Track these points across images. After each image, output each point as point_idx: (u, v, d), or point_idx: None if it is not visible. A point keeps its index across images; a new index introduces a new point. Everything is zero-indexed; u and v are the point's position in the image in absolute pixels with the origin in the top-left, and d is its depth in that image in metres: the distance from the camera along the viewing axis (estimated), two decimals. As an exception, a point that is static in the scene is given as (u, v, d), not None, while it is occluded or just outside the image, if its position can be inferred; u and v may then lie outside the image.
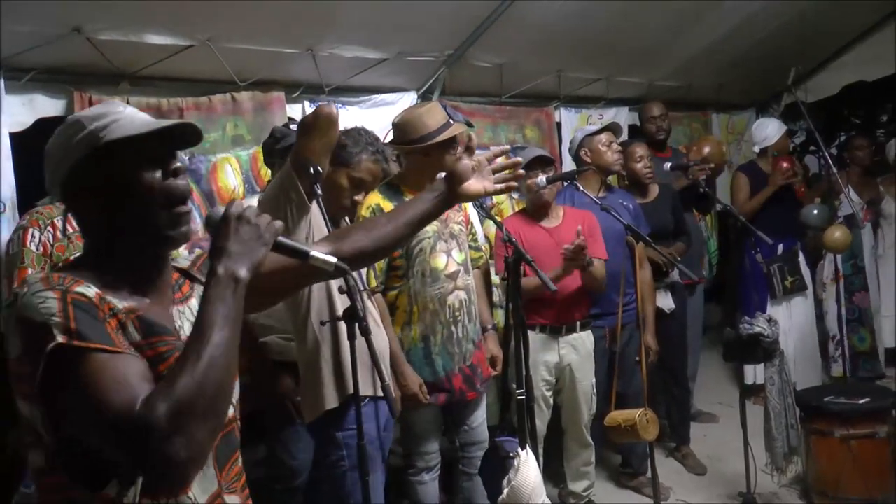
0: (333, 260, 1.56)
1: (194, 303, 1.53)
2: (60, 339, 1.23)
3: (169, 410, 1.19)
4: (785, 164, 5.34)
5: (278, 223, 1.47)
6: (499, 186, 1.87)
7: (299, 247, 1.55)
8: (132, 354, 1.30)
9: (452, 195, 1.82)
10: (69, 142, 1.41)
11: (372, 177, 2.87)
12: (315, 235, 2.66)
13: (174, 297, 1.52)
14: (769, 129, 5.60)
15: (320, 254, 1.55)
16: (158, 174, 1.42)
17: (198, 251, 1.62)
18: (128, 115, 1.44)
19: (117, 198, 1.41)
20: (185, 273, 1.59)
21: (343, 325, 2.50)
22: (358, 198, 2.88)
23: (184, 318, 1.51)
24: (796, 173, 5.43)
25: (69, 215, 2.92)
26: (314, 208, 2.66)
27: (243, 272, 1.36)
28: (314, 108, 2.62)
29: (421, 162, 3.29)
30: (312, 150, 2.47)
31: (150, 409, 1.19)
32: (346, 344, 2.55)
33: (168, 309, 1.49)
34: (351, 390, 2.60)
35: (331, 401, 2.74)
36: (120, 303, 1.37)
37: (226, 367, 1.29)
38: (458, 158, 3.09)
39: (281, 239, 1.48)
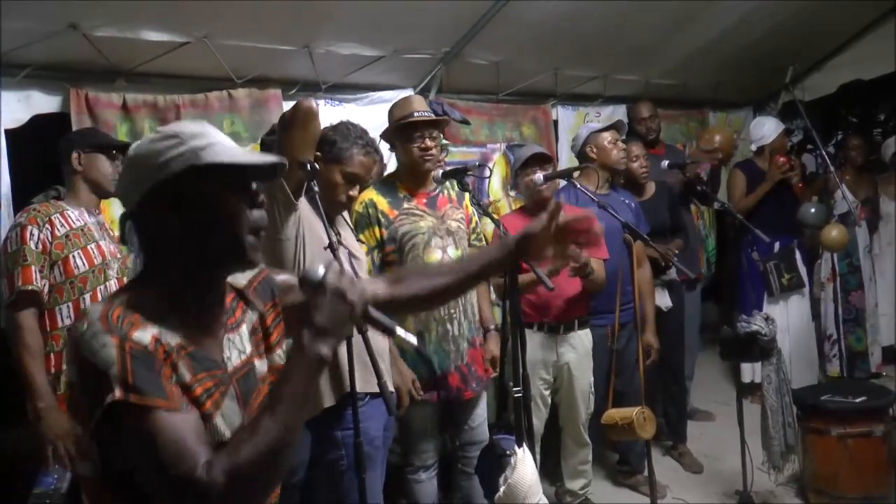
0: (414, 342, 1.54)
1: (244, 330, 1.57)
2: (118, 393, 1.25)
3: (229, 482, 1.23)
4: (782, 159, 5.35)
5: (369, 294, 1.48)
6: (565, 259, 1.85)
7: (388, 323, 1.49)
8: (185, 410, 1.32)
9: (520, 253, 1.78)
10: (165, 153, 1.40)
11: (365, 170, 2.87)
12: (308, 234, 2.65)
13: (227, 323, 1.53)
14: (766, 128, 5.61)
15: (404, 332, 1.50)
16: (245, 204, 1.44)
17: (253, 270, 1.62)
18: (223, 142, 1.45)
19: (206, 217, 1.41)
20: (240, 294, 1.60)
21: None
22: (353, 193, 2.88)
23: (232, 347, 1.52)
24: (793, 167, 5.43)
25: (65, 212, 2.91)
26: (307, 206, 2.66)
27: (327, 353, 1.36)
28: (294, 103, 2.62)
29: (396, 154, 3.43)
30: (294, 145, 2.47)
31: (211, 477, 1.24)
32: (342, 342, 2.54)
33: (219, 337, 1.50)
34: (348, 388, 2.59)
35: (328, 399, 2.73)
36: (173, 339, 1.37)
37: (289, 448, 1.31)
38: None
39: (371, 312, 1.45)
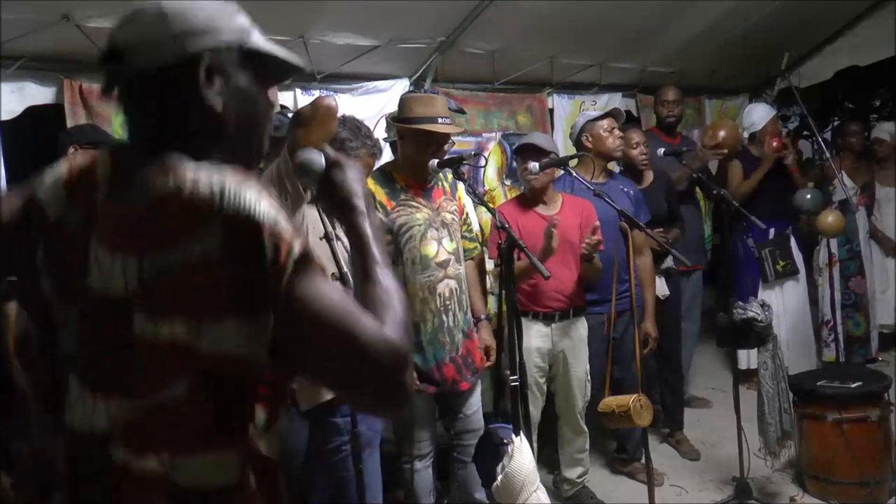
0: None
1: None
2: (298, 246, 1.12)
3: (405, 335, 1.18)
4: (774, 143, 5.34)
5: None
6: None
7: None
8: None
9: None
10: (219, 19, 1.22)
11: (368, 169, 2.89)
12: (309, 228, 2.66)
13: None
14: (756, 114, 5.64)
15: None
16: (269, 107, 1.35)
17: None
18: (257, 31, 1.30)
19: (233, 107, 1.24)
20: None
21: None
22: None
23: None
24: (787, 146, 5.43)
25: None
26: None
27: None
28: (313, 100, 2.61)
29: (403, 146, 3.38)
30: (309, 141, 2.46)
31: (395, 334, 1.16)
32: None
33: None
34: None
35: (328, 393, 2.73)
36: None
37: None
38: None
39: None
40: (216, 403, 1.13)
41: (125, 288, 1.11)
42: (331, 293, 1.14)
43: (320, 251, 2.58)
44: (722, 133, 5.25)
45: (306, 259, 1.12)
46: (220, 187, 1.09)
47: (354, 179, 1.40)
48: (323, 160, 1.42)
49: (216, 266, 1.08)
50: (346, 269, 2.42)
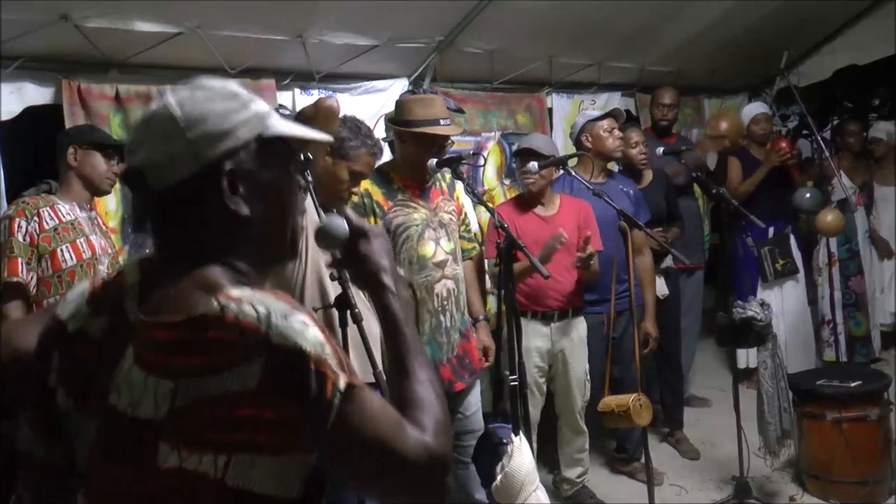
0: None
1: None
2: (343, 378, 1.07)
3: (445, 436, 1.16)
4: (783, 144, 5.34)
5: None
6: None
7: None
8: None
9: None
10: (231, 116, 1.15)
11: (368, 168, 2.88)
12: (308, 224, 2.65)
13: None
14: (745, 111, 5.74)
15: None
16: (299, 187, 1.27)
17: None
18: (271, 109, 1.23)
19: (266, 201, 1.19)
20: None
21: (335, 313, 2.49)
22: (355, 189, 2.89)
23: None
24: (793, 155, 5.42)
25: (56, 206, 2.90)
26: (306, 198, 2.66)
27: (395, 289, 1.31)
28: (315, 101, 2.61)
29: (401, 148, 3.36)
30: (313, 144, 2.46)
31: (436, 440, 1.13)
32: (338, 332, 2.54)
33: None
34: None
35: None
36: None
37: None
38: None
39: None
40: None
41: (154, 412, 1.04)
42: (373, 414, 1.10)
43: (319, 251, 2.58)
44: (724, 124, 5.26)
45: (352, 390, 1.07)
46: (267, 313, 1.04)
47: (381, 252, 1.33)
48: (346, 227, 1.34)
49: (257, 399, 1.02)
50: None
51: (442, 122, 3.24)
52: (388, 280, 1.29)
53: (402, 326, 1.26)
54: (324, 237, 1.36)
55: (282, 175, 1.21)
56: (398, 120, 3.32)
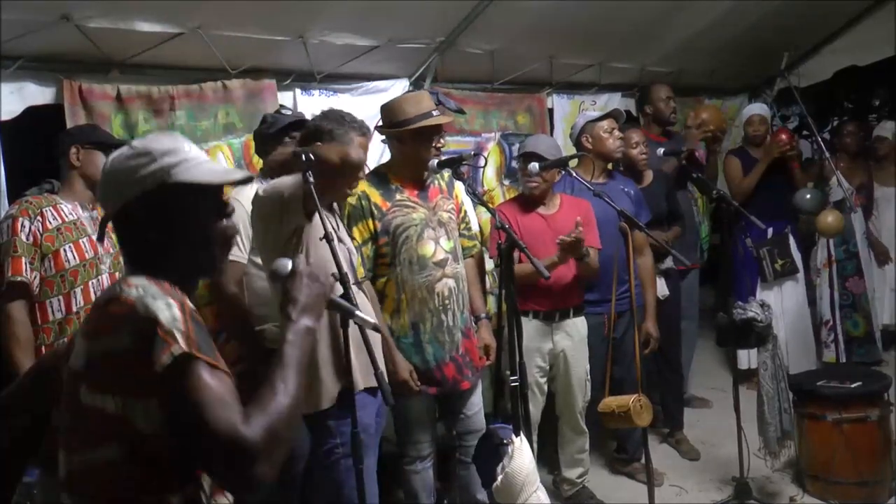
0: (373, 322, 1.81)
1: None
2: (184, 345, 1.37)
3: (265, 434, 1.36)
4: (783, 136, 5.34)
5: (332, 281, 1.73)
6: None
7: (347, 307, 1.80)
8: (227, 371, 1.43)
9: None
10: (136, 172, 1.53)
11: (364, 151, 2.86)
12: (308, 227, 2.65)
13: None
14: (745, 110, 5.76)
15: (363, 314, 1.79)
16: (217, 216, 1.59)
17: None
18: (194, 156, 1.57)
19: (175, 233, 1.55)
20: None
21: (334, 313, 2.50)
22: (354, 183, 2.87)
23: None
24: (793, 146, 5.42)
25: (58, 206, 2.91)
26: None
27: (312, 323, 1.61)
28: (343, 152, 2.65)
29: (399, 149, 3.37)
30: (336, 192, 2.60)
31: (250, 431, 1.35)
32: (338, 332, 2.54)
33: None
34: (347, 386, 2.60)
35: (327, 400, 2.73)
36: None
37: (300, 404, 1.48)
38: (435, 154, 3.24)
39: (334, 298, 1.72)
40: (143, 470, 1.42)
41: (80, 365, 1.46)
42: (202, 384, 1.36)
43: (321, 251, 2.58)
44: (704, 115, 5.29)
45: (187, 358, 1.36)
46: (142, 294, 1.41)
47: (300, 288, 1.65)
48: (288, 268, 1.71)
49: (128, 355, 1.38)
50: (345, 269, 2.42)
51: (434, 113, 3.26)
52: (291, 310, 1.61)
53: (286, 346, 1.53)
54: (272, 275, 1.76)
55: (188, 210, 1.55)
56: (392, 122, 3.32)
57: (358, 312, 1.80)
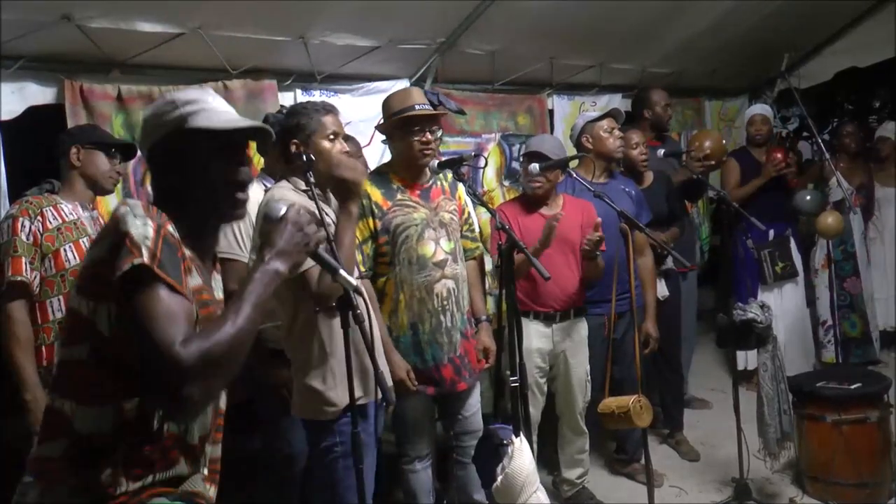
0: (355, 283, 1.81)
1: (218, 278, 1.86)
2: (146, 258, 1.48)
3: (199, 357, 1.43)
4: (778, 156, 5.35)
5: (322, 235, 1.77)
6: None
7: (332, 263, 1.80)
8: (188, 298, 1.54)
9: None
10: (161, 118, 1.69)
11: (339, 125, 2.86)
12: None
13: (214, 267, 1.84)
14: (747, 112, 5.74)
15: (346, 274, 1.80)
16: (228, 162, 1.70)
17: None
18: (214, 107, 1.71)
19: (191, 176, 1.68)
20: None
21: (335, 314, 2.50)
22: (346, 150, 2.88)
23: (216, 285, 1.82)
24: (789, 164, 5.42)
25: (58, 205, 2.91)
26: (301, 197, 2.69)
27: (284, 269, 1.66)
28: (342, 166, 2.65)
29: (393, 145, 3.42)
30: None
31: (185, 350, 1.43)
32: (339, 332, 2.54)
33: (210, 273, 1.80)
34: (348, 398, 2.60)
35: (330, 413, 2.73)
36: (187, 251, 1.63)
37: (247, 339, 1.53)
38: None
39: (320, 251, 1.76)
40: (105, 372, 1.55)
41: (78, 271, 1.67)
42: (153, 295, 1.47)
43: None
44: (708, 143, 5.22)
45: (144, 269, 1.47)
46: (127, 211, 1.53)
47: (282, 234, 1.69)
48: (279, 212, 1.74)
49: (105, 263, 1.51)
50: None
51: (417, 106, 3.26)
52: (266, 251, 1.67)
53: (248, 282, 1.60)
54: (264, 217, 1.79)
55: (202, 154, 1.67)
56: (382, 117, 3.38)
57: (341, 272, 1.82)
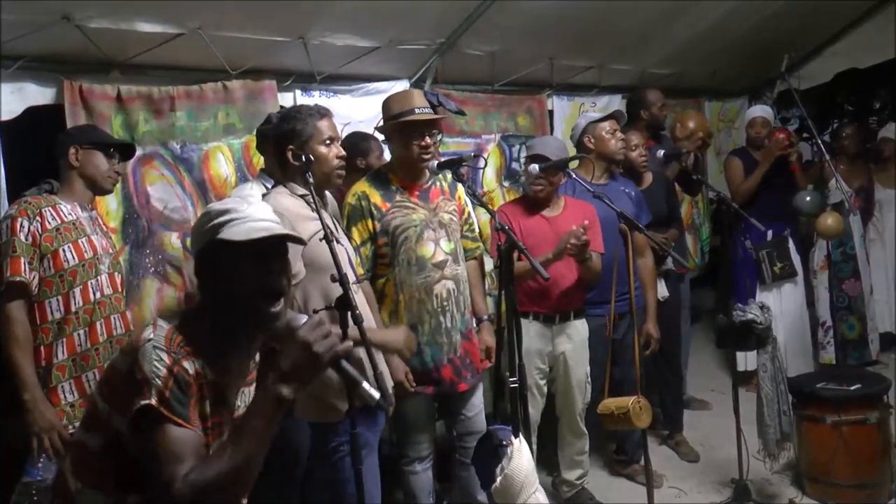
0: (377, 396, 1.65)
1: (252, 389, 1.87)
2: (154, 401, 1.57)
3: (194, 494, 1.52)
4: (781, 136, 5.34)
5: (345, 346, 1.62)
6: None
7: (353, 375, 1.64)
8: (196, 431, 1.62)
9: None
10: (199, 230, 1.80)
11: (333, 129, 2.89)
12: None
13: (247, 378, 1.86)
14: (748, 112, 5.75)
15: (368, 387, 1.64)
16: (257, 270, 1.72)
17: None
18: (247, 215, 1.75)
19: (221, 287, 1.73)
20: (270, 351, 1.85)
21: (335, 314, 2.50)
22: (341, 156, 2.88)
23: (244, 399, 1.84)
24: (792, 143, 5.42)
25: (57, 206, 2.91)
26: (300, 204, 2.69)
27: (289, 394, 1.57)
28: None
29: (392, 147, 3.43)
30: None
31: (183, 485, 1.52)
32: (339, 332, 2.54)
33: (239, 385, 1.83)
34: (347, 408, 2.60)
35: (337, 414, 2.73)
36: (209, 373, 1.69)
37: (248, 477, 1.60)
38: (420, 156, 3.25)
39: (343, 364, 1.63)
40: (114, 464, 1.66)
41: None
42: (161, 440, 1.56)
43: (320, 251, 2.59)
44: (691, 123, 5.25)
45: (150, 410, 1.57)
46: (149, 338, 1.63)
47: (288, 356, 1.59)
48: (297, 324, 1.66)
49: (121, 377, 1.64)
50: (344, 270, 2.42)
51: (417, 110, 3.26)
52: (270, 376, 1.59)
53: (249, 414, 1.61)
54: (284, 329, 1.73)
55: (231, 265, 1.72)
56: (382, 119, 3.38)
57: (364, 385, 1.63)
